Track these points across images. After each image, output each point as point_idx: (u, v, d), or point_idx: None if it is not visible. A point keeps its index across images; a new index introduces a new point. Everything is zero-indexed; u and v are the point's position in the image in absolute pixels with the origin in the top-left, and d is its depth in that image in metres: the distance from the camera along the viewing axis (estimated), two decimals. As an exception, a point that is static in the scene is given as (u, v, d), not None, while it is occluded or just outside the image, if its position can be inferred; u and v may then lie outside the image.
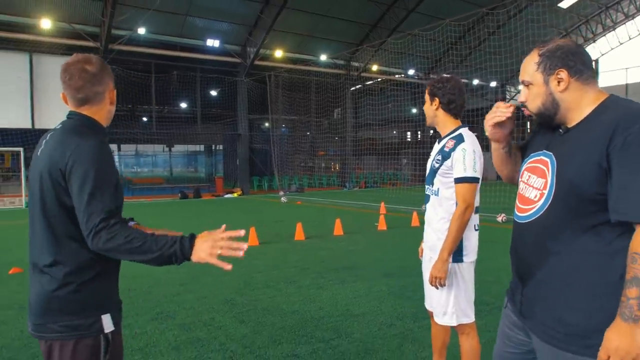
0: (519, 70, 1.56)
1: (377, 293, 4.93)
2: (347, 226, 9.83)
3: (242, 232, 1.51)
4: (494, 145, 1.71)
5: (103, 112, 1.67)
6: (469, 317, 2.55)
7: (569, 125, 1.45)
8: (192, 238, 1.47)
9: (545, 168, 1.46)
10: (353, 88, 26.06)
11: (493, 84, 28.17)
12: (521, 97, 1.53)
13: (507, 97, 29.02)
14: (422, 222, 6.08)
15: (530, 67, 1.48)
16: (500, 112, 1.59)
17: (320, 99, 24.70)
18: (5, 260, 6.94)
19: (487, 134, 1.66)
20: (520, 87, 1.52)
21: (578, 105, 1.43)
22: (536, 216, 1.47)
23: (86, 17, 18.35)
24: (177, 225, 10.96)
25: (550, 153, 1.46)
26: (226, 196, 21.57)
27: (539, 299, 1.48)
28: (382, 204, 13.52)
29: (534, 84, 1.47)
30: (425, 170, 2.73)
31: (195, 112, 25.19)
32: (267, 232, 9.26)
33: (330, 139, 27.76)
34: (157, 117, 24.01)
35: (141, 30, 19.36)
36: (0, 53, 17.64)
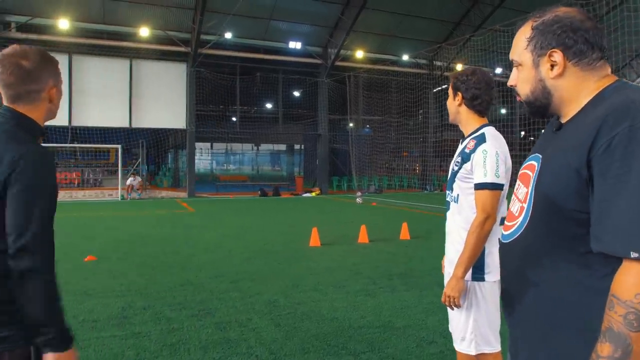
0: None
1: (426, 305, 4.66)
2: (415, 230, 9.51)
3: None
4: None
5: (40, 111, 1.48)
6: (492, 346, 2.24)
7: (563, 121, 1.15)
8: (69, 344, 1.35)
9: (531, 174, 1.16)
10: (436, 89, 25.23)
11: (593, 80, 25.72)
12: (511, 80, 1.23)
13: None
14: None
15: (520, 43, 1.17)
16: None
17: (402, 99, 24.21)
18: (84, 248, 7.60)
19: None
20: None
21: (575, 96, 1.12)
22: (516, 235, 1.17)
23: (179, 25, 19.62)
24: (248, 222, 11.32)
25: (540, 156, 1.16)
26: (304, 195, 21.93)
27: (522, 344, 1.18)
28: (458, 209, 12.90)
29: (522, 65, 1.18)
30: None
31: (277, 113, 25.92)
32: (332, 233, 9.22)
33: (414, 140, 27.15)
34: (242, 117, 25.04)
35: (228, 35, 20.31)
36: (106, 59, 19.45)
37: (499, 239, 1.31)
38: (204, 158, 36.57)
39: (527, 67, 1.16)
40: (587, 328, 0.99)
